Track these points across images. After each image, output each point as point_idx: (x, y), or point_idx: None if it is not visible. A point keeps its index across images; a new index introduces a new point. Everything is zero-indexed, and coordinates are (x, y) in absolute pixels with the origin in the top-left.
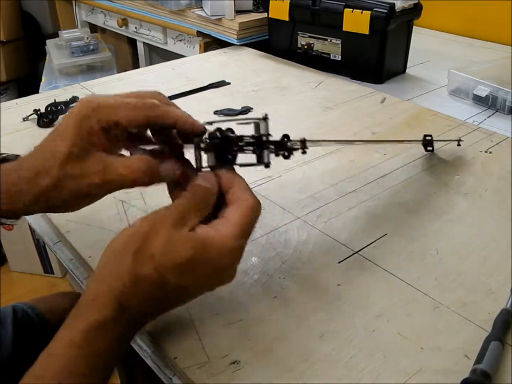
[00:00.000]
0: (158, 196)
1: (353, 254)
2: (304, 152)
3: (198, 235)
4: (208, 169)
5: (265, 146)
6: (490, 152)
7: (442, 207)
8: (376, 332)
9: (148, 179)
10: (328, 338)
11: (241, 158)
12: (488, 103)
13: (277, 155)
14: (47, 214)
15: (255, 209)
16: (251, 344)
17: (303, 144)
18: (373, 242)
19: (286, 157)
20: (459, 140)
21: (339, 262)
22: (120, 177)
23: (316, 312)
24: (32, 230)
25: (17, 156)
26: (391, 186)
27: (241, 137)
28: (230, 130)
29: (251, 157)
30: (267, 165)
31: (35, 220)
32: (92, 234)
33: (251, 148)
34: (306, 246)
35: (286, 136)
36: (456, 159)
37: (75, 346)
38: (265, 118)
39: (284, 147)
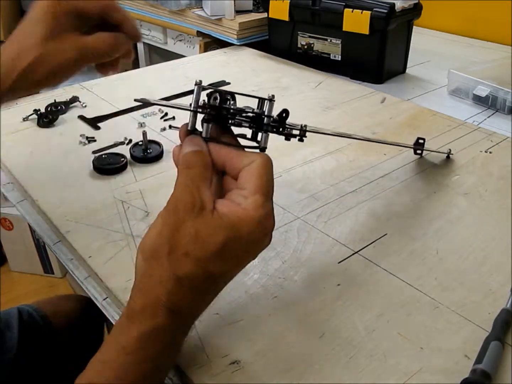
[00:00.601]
0: (158, 196)
1: (353, 254)
2: (301, 140)
3: (223, 216)
4: None
5: (264, 127)
6: (490, 152)
7: (442, 207)
8: (376, 332)
9: (119, 48)
10: (328, 338)
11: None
12: (488, 103)
13: (279, 133)
14: (47, 214)
15: (267, 165)
16: (251, 344)
17: (303, 132)
18: (373, 242)
19: (286, 137)
20: (449, 153)
21: (339, 262)
22: (94, 49)
23: (316, 312)
24: (32, 230)
25: None
26: (391, 186)
27: (241, 110)
28: (231, 96)
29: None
30: (263, 149)
31: (35, 220)
32: (92, 234)
33: (248, 123)
34: (306, 246)
35: (285, 111)
36: (456, 159)
37: (129, 353)
38: (271, 100)
39: (282, 124)
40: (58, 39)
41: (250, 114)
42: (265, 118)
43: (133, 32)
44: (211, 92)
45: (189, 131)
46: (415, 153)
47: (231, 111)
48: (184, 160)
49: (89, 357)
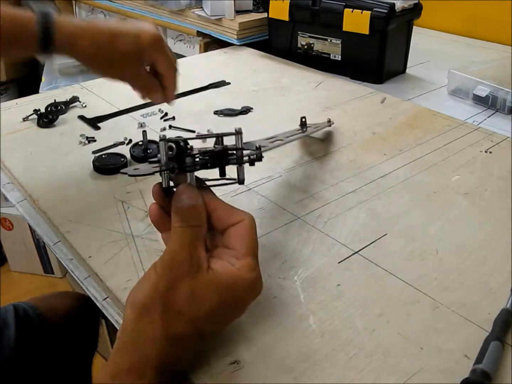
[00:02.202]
0: None
1: (353, 254)
2: (252, 164)
3: (219, 277)
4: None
5: (239, 160)
6: (490, 152)
7: (442, 207)
8: (376, 332)
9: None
10: (328, 338)
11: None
12: (488, 103)
13: (251, 164)
14: (47, 214)
15: (254, 226)
16: (251, 344)
17: (259, 154)
18: (373, 242)
19: (250, 164)
20: (329, 121)
21: (339, 262)
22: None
23: (316, 312)
24: (32, 230)
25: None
26: (391, 186)
27: (205, 151)
28: (184, 142)
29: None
30: (241, 181)
31: (35, 220)
32: (92, 234)
33: (212, 162)
34: (306, 246)
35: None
36: (456, 159)
37: None
38: (239, 133)
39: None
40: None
41: (215, 151)
42: (238, 151)
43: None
44: (169, 146)
45: (164, 189)
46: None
47: (196, 156)
48: (180, 215)
49: (84, 353)
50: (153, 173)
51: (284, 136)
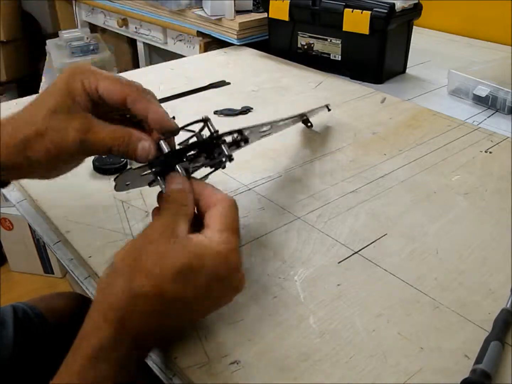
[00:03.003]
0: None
1: (353, 254)
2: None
3: (190, 244)
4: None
5: (219, 141)
6: (490, 152)
7: (442, 207)
8: (376, 332)
9: (123, 150)
10: (328, 338)
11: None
12: (488, 103)
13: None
14: (47, 214)
15: (233, 206)
16: (251, 344)
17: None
18: (373, 242)
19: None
20: (327, 106)
21: (339, 262)
22: (99, 140)
23: (315, 311)
24: (32, 230)
25: None
26: (391, 186)
27: (187, 148)
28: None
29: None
30: (230, 158)
31: (35, 220)
32: (92, 234)
33: (203, 155)
34: (306, 246)
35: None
36: (456, 159)
37: (78, 374)
38: (205, 120)
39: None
40: (64, 116)
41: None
42: (214, 134)
43: (160, 124)
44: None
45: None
46: (307, 126)
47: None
48: (166, 197)
49: None
50: (146, 185)
51: (276, 122)
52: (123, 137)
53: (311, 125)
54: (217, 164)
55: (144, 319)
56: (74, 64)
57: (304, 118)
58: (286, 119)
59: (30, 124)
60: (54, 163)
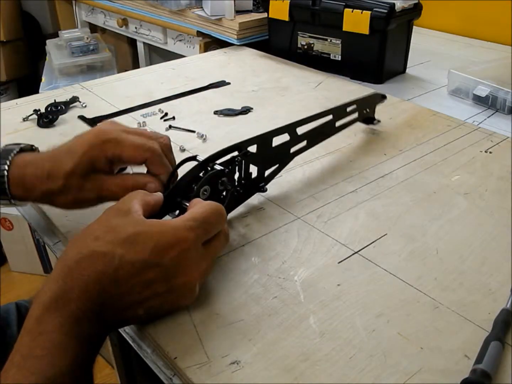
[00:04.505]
0: None
1: (353, 254)
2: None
3: (140, 219)
4: None
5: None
6: (490, 152)
7: (442, 207)
8: (376, 332)
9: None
10: (328, 338)
11: None
12: (488, 103)
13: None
14: (47, 214)
15: (215, 208)
16: (251, 344)
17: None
18: (373, 242)
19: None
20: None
21: (339, 262)
22: (112, 193)
23: (316, 311)
24: (32, 230)
25: (31, 146)
26: (391, 186)
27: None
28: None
29: None
30: (230, 190)
31: (35, 220)
32: None
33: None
34: (306, 246)
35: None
36: (456, 159)
37: (28, 332)
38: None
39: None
40: (83, 177)
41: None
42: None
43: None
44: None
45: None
46: (372, 123)
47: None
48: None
49: None
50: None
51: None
52: (132, 186)
53: (377, 121)
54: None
55: (91, 278)
56: (99, 129)
57: (365, 116)
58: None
59: (53, 179)
60: (79, 206)
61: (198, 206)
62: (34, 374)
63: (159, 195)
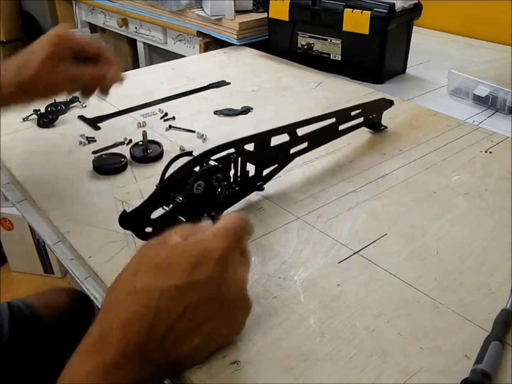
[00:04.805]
0: None
1: (353, 254)
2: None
3: (178, 240)
4: None
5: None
6: (490, 152)
7: (442, 207)
8: (376, 332)
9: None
10: (328, 338)
11: None
12: (488, 103)
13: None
14: (47, 214)
15: (243, 221)
16: (251, 344)
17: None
18: (373, 242)
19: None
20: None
21: (339, 262)
22: (78, 77)
23: (316, 312)
24: (32, 230)
25: None
26: (391, 186)
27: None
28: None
29: None
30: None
31: (35, 220)
32: (92, 234)
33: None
34: (306, 246)
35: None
36: (456, 159)
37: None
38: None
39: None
40: (55, 63)
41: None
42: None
43: (112, 73)
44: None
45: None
46: (379, 128)
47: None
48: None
49: None
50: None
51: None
52: (95, 72)
53: (384, 127)
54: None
55: (136, 314)
56: (56, 31)
57: (370, 120)
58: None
59: (26, 68)
60: (51, 94)
61: (223, 219)
62: None
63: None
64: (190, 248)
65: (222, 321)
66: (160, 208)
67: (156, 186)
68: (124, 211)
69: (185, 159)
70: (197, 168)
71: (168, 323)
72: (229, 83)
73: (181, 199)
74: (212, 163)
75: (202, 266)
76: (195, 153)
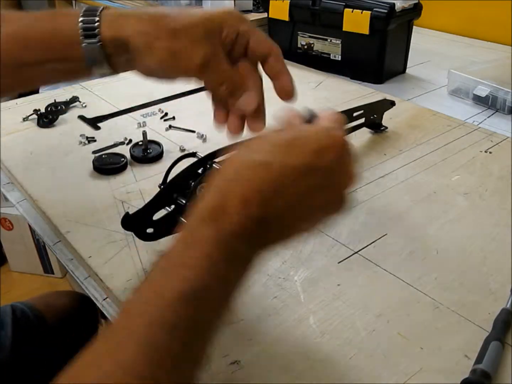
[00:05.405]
0: None
1: (353, 254)
2: None
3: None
4: None
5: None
6: (490, 152)
7: (442, 207)
8: (376, 332)
9: (229, 92)
10: (328, 338)
11: None
12: (488, 103)
13: None
14: (47, 214)
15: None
16: (251, 344)
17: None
18: (373, 242)
19: None
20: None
21: (339, 262)
22: (218, 72)
23: (316, 312)
24: (32, 230)
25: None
26: (391, 186)
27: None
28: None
29: None
30: None
31: (35, 220)
32: (92, 234)
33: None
34: (306, 246)
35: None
36: (456, 159)
37: (180, 240)
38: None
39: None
40: (200, 40)
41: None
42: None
43: (286, 88)
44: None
45: None
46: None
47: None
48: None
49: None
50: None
51: None
52: (237, 81)
53: (385, 127)
54: None
55: (253, 187)
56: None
57: (371, 121)
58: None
59: (179, 37)
60: (164, 74)
61: (327, 116)
62: (181, 281)
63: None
64: (315, 131)
65: (329, 212)
66: (163, 210)
67: (159, 187)
68: (127, 213)
69: (188, 160)
70: (200, 170)
71: (285, 203)
72: None
73: (184, 201)
74: (216, 166)
75: (329, 152)
76: (199, 155)
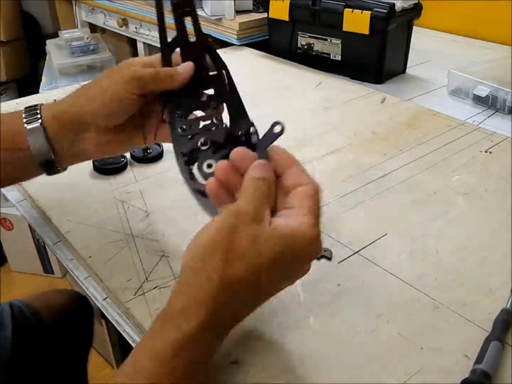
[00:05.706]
0: (158, 196)
1: (353, 254)
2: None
3: (280, 229)
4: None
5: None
6: (490, 152)
7: (442, 207)
8: (376, 332)
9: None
10: (328, 338)
11: None
12: (488, 103)
13: None
14: (47, 214)
15: (318, 191)
16: (251, 344)
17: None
18: (373, 242)
19: None
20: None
21: (339, 262)
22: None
23: (316, 312)
24: (32, 230)
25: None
26: (391, 186)
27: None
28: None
29: None
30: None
31: (35, 220)
32: (92, 234)
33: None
34: None
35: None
36: (456, 159)
37: (162, 361)
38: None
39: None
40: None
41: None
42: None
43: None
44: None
45: None
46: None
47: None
48: (250, 183)
49: (80, 350)
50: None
51: None
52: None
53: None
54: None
55: (235, 305)
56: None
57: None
58: None
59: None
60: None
61: (314, 197)
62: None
63: (273, 199)
64: (301, 244)
65: (290, 281)
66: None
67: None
68: None
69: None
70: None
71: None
72: None
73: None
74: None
75: (304, 260)
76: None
